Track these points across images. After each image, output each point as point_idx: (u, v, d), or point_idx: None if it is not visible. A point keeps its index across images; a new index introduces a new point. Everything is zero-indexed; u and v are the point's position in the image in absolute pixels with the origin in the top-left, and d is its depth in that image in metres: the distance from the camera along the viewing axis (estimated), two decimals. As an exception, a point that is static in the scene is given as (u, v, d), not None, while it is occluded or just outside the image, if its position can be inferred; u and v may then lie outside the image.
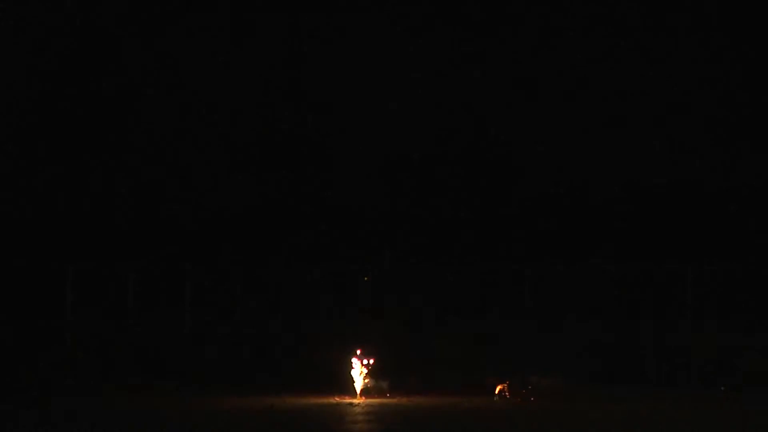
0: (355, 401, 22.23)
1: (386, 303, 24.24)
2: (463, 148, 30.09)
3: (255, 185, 29.90)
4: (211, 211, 29.60)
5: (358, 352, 23.13)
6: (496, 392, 23.10)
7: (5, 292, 25.80)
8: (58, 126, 29.75)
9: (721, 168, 29.57)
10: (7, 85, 29.71)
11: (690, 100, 29.76)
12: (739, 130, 29.56)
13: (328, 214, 28.96)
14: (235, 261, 28.24)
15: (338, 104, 30.41)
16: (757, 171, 29.41)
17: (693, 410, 20.56)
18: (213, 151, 30.18)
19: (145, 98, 30.26)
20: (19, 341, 25.12)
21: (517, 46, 30.19)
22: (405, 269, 27.14)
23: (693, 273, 27.51)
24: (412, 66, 30.59)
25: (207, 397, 23.03)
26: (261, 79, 30.66)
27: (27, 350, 24.96)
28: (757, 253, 27.66)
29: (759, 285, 26.38)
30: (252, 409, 20.52)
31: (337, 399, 22.44)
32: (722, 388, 25.20)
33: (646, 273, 27.65)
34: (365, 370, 23.13)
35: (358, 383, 23.31)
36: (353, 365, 23.30)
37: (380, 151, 30.14)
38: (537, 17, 30.20)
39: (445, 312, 26.30)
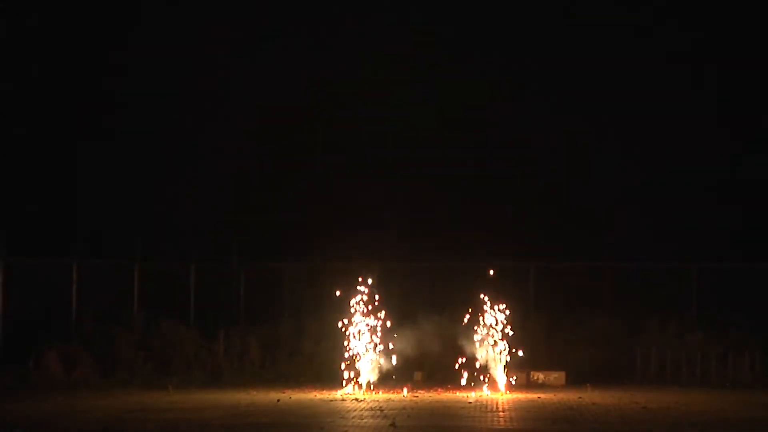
0: (361, 396, 22.02)
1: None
2: None
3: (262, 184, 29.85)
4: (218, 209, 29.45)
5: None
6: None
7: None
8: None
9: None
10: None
11: None
12: None
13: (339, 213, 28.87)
14: (240, 256, 28.26)
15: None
16: None
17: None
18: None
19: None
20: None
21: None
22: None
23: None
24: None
25: (215, 391, 22.95)
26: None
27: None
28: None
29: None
30: (259, 403, 20.42)
31: (343, 395, 22.30)
32: (727, 384, 25.22)
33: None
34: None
35: (366, 371, 23.19)
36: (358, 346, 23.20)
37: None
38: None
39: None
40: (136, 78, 31.31)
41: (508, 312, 23.21)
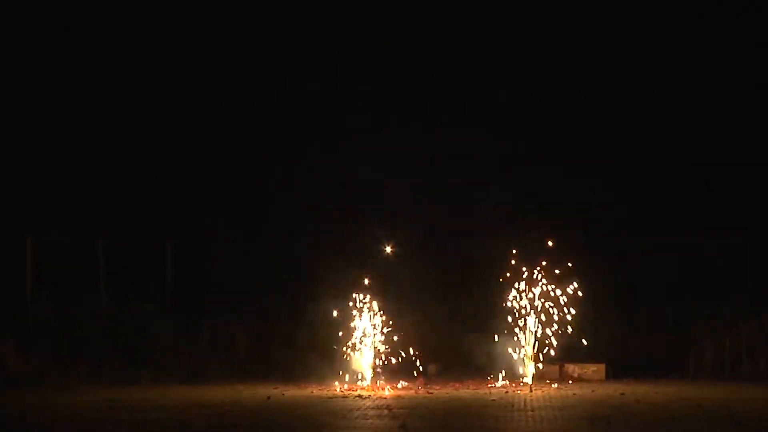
0: (365, 393, 20.79)
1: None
2: None
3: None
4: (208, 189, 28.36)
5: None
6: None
7: None
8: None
9: None
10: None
11: None
12: None
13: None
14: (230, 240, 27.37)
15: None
16: None
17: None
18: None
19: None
20: None
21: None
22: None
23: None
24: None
25: (196, 387, 22.14)
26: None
27: None
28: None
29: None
30: (247, 401, 19.38)
31: (343, 391, 21.16)
32: None
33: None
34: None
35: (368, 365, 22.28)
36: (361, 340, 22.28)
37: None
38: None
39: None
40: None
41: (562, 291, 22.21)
